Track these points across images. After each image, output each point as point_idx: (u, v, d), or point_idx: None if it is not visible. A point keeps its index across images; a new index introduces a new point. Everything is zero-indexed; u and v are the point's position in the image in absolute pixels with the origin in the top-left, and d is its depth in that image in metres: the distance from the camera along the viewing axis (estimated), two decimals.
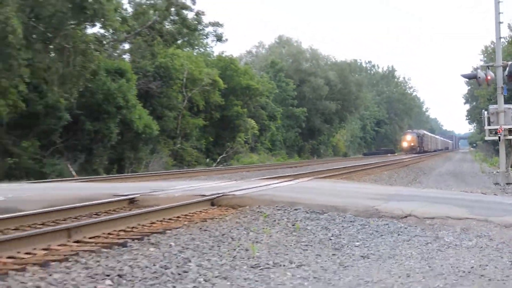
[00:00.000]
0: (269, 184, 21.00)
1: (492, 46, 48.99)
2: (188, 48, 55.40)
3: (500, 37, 37.64)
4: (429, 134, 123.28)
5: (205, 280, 9.03)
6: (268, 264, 10.20)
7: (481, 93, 66.26)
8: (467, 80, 44.72)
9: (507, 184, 29.92)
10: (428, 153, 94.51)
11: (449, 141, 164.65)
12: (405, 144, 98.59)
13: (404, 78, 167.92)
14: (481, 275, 9.07)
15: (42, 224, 12.78)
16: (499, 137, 32.91)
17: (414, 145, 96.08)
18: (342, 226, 13.25)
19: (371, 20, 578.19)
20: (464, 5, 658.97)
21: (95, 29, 43.85)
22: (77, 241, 10.52)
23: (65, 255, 9.30)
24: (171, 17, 46.31)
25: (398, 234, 12.56)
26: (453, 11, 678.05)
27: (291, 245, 11.71)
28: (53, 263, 8.84)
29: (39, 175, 38.49)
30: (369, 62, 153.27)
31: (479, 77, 34.97)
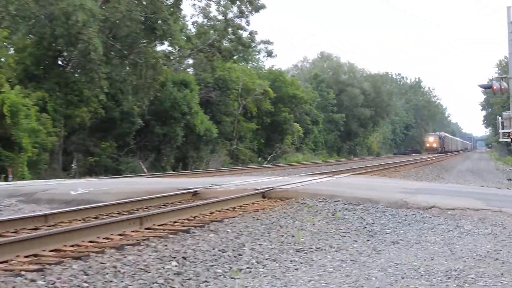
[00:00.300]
0: (312, 180, 20.96)
1: (506, 60, 48.45)
2: (243, 63, 55.55)
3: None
4: (450, 136, 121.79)
5: (257, 262, 9.06)
6: (311, 248, 10.21)
7: (495, 101, 65.92)
8: (484, 89, 44.40)
9: None
10: (449, 153, 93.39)
11: (468, 142, 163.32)
12: (428, 145, 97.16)
13: (429, 88, 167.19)
14: (496, 259, 9.02)
15: (118, 213, 12.87)
16: (511, 139, 32.89)
17: (436, 146, 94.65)
18: (375, 216, 13.21)
19: (394, 30, 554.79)
20: (481, 12, 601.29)
21: (163, 47, 44.08)
22: (148, 228, 10.59)
23: (137, 240, 9.37)
24: (229, 36, 46.31)
25: (424, 223, 12.51)
26: (470, 18, 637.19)
27: (331, 232, 11.71)
28: (128, 246, 8.90)
29: (115, 172, 38.78)
30: (399, 74, 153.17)
31: (494, 87, 34.82)
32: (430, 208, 13.83)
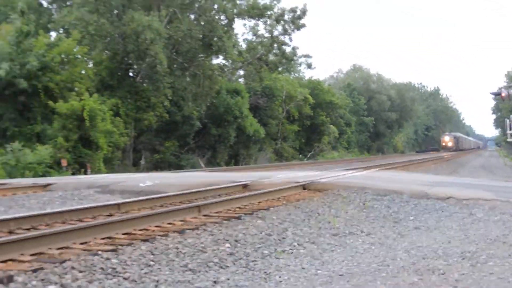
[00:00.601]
0: (346, 174, 20.91)
1: None
2: (286, 73, 55.65)
3: None
4: (464, 136, 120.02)
5: (298, 244, 9.10)
6: (344, 232, 10.22)
7: (504, 106, 65.35)
8: (494, 96, 44.08)
9: None
10: (463, 151, 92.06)
11: (480, 142, 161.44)
12: (444, 144, 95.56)
13: (446, 95, 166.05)
14: (504, 242, 8.97)
15: (180, 203, 12.92)
16: None
17: (451, 145, 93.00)
18: (400, 205, 13.17)
19: (416, 41, 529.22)
20: (496, 13, 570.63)
21: (218, 60, 44.21)
22: (205, 215, 10.66)
23: (196, 225, 9.45)
24: (274, 51, 46.28)
25: (442, 211, 12.45)
26: (485, 22, 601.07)
27: (361, 219, 11.70)
28: (188, 231, 8.98)
29: (177, 167, 38.99)
30: (420, 83, 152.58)
31: (503, 95, 34.87)
32: (447, 198, 13.76)
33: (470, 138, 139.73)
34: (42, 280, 5.94)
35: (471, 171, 32.81)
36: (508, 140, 38.07)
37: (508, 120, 35.97)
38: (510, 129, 34.63)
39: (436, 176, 22.33)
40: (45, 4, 40.02)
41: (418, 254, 8.23)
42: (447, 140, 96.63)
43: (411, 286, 6.49)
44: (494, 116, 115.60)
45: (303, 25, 45.79)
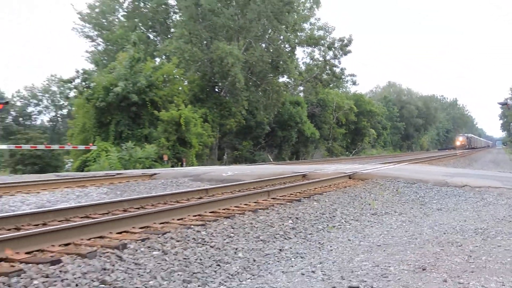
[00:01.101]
0: (382, 167, 20.69)
1: None
2: (336, 88, 55.70)
3: None
4: (475, 136, 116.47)
5: (345, 221, 9.08)
6: (381, 212, 10.15)
7: (509, 113, 63.68)
8: (501, 105, 43.51)
9: None
10: (475, 149, 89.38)
11: (489, 141, 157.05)
12: (457, 143, 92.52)
13: (462, 104, 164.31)
14: (510, 221, 8.85)
15: (254, 188, 12.96)
16: None
17: (464, 144, 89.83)
18: (425, 191, 12.99)
19: (438, 55, 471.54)
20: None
21: (283, 79, 44.32)
22: (273, 198, 10.68)
23: (266, 206, 9.47)
24: (326, 72, 46.29)
25: (459, 196, 12.25)
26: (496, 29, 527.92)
27: (395, 202, 11.60)
28: (259, 210, 9.01)
29: (252, 161, 39.21)
30: (442, 95, 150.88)
31: (508, 104, 34.83)
32: (463, 186, 13.54)
33: (481, 139, 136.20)
34: (149, 247, 6.04)
35: (482, 165, 32.11)
36: None
37: None
38: None
39: (454, 169, 21.99)
40: (151, 36, 40.71)
41: (440, 230, 8.17)
42: (460, 139, 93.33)
43: (434, 255, 6.41)
44: (501, 121, 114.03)
45: (349, 51, 45.76)
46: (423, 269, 5.76)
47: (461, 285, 5.14)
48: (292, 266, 6.18)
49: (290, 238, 7.62)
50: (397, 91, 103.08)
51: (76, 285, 4.71)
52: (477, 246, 6.93)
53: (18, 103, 64.67)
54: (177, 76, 33.32)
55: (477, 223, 8.71)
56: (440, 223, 8.82)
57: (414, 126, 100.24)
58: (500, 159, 44.48)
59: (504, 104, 41.25)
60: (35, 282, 4.59)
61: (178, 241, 6.45)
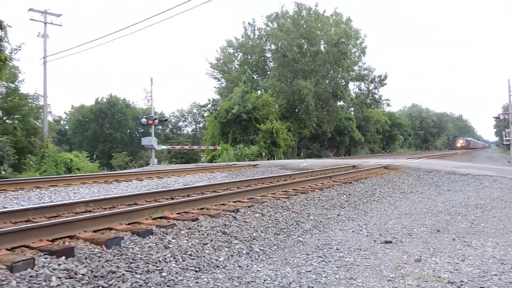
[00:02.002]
0: (407, 161, 19.85)
1: (507, 104, 43.14)
2: (376, 108, 54.21)
3: (511, 102, 33.69)
4: (474, 140, 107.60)
5: (382, 197, 8.81)
6: (407, 191, 9.78)
7: (501, 124, 59.44)
8: (495, 118, 41.17)
9: None
10: (474, 149, 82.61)
11: (486, 143, 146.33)
12: (458, 145, 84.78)
13: (466, 119, 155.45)
14: (501, 199, 8.27)
15: (320, 174, 12.77)
16: (509, 143, 30.78)
17: (464, 145, 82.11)
18: (439, 178, 12.36)
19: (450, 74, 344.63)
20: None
21: (340, 103, 43.54)
22: (333, 180, 10.49)
23: (328, 186, 9.31)
24: (369, 98, 45.10)
25: (464, 181, 11.58)
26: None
27: (417, 185, 11.12)
28: (324, 188, 8.87)
29: (319, 156, 38.71)
30: (451, 112, 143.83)
31: (501, 118, 32.86)
32: (467, 174, 12.77)
33: (479, 141, 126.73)
34: (252, 211, 6.10)
35: (481, 160, 30.18)
36: (504, 143, 36.19)
37: (504, 132, 34.39)
38: (506, 137, 32.63)
39: (460, 162, 20.79)
40: (255, 77, 41.18)
41: (449, 204, 7.80)
42: (461, 142, 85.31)
43: (445, 222, 6.18)
44: (495, 130, 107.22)
45: (385, 84, 44.38)
46: (438, 231, 5.58)
47: (466, 243, 4.93)
48: (346, 226, 6.11)
49: (345, 207, 7.51)
50: (418, 110, 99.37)
51: (208, 234, 4.83)
52: (477, 216, 6.64)
53: (173, 120, 67.24)
54: (271, 102, 33.50)
55: (477, 200, 8.23)
56: (450, 200, 8.43)
57: (431, 133, 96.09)
58: (494, 156, 41.76)
59: (497, 118, 39.73)
60: (182, 231, 4.75)
61: (271, 207, 6.48)
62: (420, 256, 4.33)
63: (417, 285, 3.48)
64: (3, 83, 23.98)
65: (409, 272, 3.85)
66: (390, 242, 4.98)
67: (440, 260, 4.19)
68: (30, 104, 25.95)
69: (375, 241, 5.08)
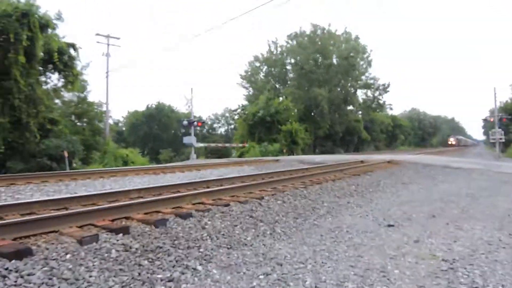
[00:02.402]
0: (408, 156, 19.25)
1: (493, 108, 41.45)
2: (380, 112, 53.17)
3: (496, 107, 32.54)
4: (464, 138, 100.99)
5: (385, 187, 8.61)
6: (407, 183, 9.52)
7: (489, 124, 57.26)
8: (484, 120, 39.98)
9: (499, 158, 25.75)
10: (466, 146, 78.37)
11: (475, 141, 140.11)
12: (449, 142, 79.42)
13: (458, 121, 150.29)
14: (488, 189, 7.96)
15: (332, 167, 12.63)
16: (495, 141, 29.96)
17: (455, 143, 76.59)
18: (435, 170, 12.01)
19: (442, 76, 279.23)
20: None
21: (350, 107, 42.82)
22: (344, 173, 10.32)
23: (340, 177, 9.18)
24: (375, 103, 44.30)
25: (456, 174, 11.21)
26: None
27: (416, 177, 10.81)
28: (336, 180, 8.75)
29: (331, 153, 38.12)
30: (445, 115, 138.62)
31: (491, 120, 31.71)
32: (458, 168, 12.35)
33: (469, 140, 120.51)
34: (275, 199, 6.08)
35: (471, 156, 29.20)
36: (491, 141, 35.07)
37: (490, 132, 33.39)
38: (491, 136, 31.74)
39: (452, 158, 20.15)
40: (277, 86, 41.01)
41: (444, 194, 7.56)
42: (451, 140, 79.87)
43: (440, 208, 6.02)
44: (483, 130, 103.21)
45: (388, 91, 43.58)
46: (433, 216, 5.44)
47: (457, 226, 4.78)
48: (355, 212, 6.02)
49: (354, 196, 7.39)
50: (417, 113, 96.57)
51: (237, 217, 4.85)
52: (467, 203, 6.42)
53: (209, 122, 67.81)
54: (291, 107, 33.29)
55: (467, 190, 7.95)
56: (444, 190, 8.16)
57: (428, 133, 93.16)
58: (482, 152, 40.36)
59: (485, 120, 38.61)
60: (217, 215, 4.79)
61: (291, 196, 6.45)
62: (418, 238, 4.24)
63: (416, 262, 3.40)
64: (75, 93, 24.76)
65: (408, 251, 3.77)
66: (393, 225, 4.89)
67: (435, 241, 4.09)
68: (95, 110, 26.62)
69: (379, 224, 4.99)
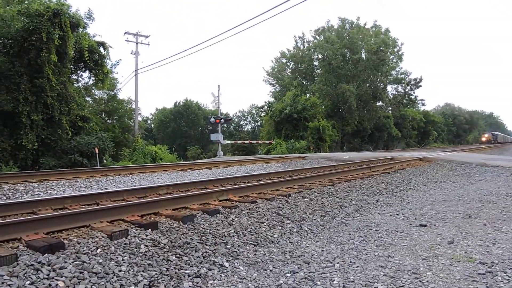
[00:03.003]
0: (441, 153, 18.64)
1: None
2: (412, 108, 51.55)
3: None
4: (501, 134, 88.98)
5: (417, 186, 8.36)
6: (441, 181, 9.21)
7: None
8: None
9: None
10: (501, 144, 71.50)
11: None
12: (483, 139, 71.04)
13: (497, 115, 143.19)
14: None
15: (361, 164, 12.34)
16: None
17: (489, 139, 65.18)
18: (470, 169, 11.53)
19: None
20: None
21: (379, 103, 41.84)
22: (373, 171, 10.08)
23: (368, 175, 8.98)
24: (406, 99, 42.99)
25: (494, 172, 10.70)
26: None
27: (450, 175, 10.43)
28: (365, 177, 8.56)
29: (360, 150, 37.49)
30: (482, 110, 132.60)
31: None
32: (497, 166, 11.79)
33: (508, 136, 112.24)
34: (302, 196, 6.03)
35: (511, 153, 27.86)
36: None
37: None
38: None
39: (490, 155, 19.27)
40: (304, 82, 40.63)
41: (481, 193, 7.24)
42: (486, 136, 68.72)
43: (477, 208, 5.75)
44: None
45: (421, 86, 42.06)
46: (469, 216, 5.21)
47: (496, 228, 4.56)
48: (384, 210, 5.88)
49: (383, 194, 7.22)
50: (451, 108, 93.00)
51: (264, 214, 4.84)
52: (507, 204, 6.11)
53: (236, 119, 68.15)
54: (318, 103, 32.91)
55: (507, 190, 7.56)
56: (481, 189, 7.82)
57: (463, 129, 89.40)
58: None
59: None
60: (243, 212, 4.79)
61: (318, 193, 6.37)
62: (453, 239, 4.07)
63: (450, 265, 3.27)
64: (106, 91, 25.54)
65: (442, 252, 3.63)
66: (425, 225, 4.73)
67: (471, 243, 3.92)
68: (125, 107, 27.42)
69: (410, 224, 4.84)
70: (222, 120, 27.39)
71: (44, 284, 2.53)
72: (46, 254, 2.88)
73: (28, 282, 2.53)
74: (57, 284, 2.55)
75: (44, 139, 15.54)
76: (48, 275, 2.63)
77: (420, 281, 2.94)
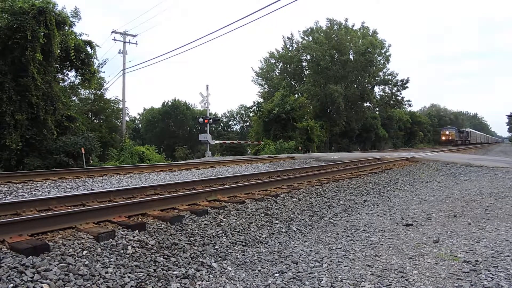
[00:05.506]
0: (427, 154, 18.92)
1: None
2: (398, 108, 52.17)
3: None
4: (474, 130, 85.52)
5: (403, 186, 8.47)
6: (427, 181, 9.34)
7: None
8: (508, 116, 38.31)
9: None
10: (487, 144, 72.54)
11: (499, 139, 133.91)
12: (443, 137, 65.49)
13: (481, 116, 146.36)
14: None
15: (348, 165, 12.45)
16: None
17: (451, 139, 58.69)
18: (456, 169, 11.72)
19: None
20: None
21: (366, 104, 42.22)
22: (360, 171, 10.18)
23: (356, 175, 9.06)
24: (392, 99, 43.49)
25: (479, 172, 10.90)
26: None
27: (435, 175, 10.59)
28: (352, 177, 8.64)
29: (347, 150, 37.74)
30: (467, 111, 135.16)
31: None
32: (481, 166, 12.01)
33: (488, 135, 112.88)
34: (290, 196, 6.04)
35: (494, 154, 28.39)
36: None
37: None
38: None
39: (475, 155, 19.63)
40: (293, 83, 40.75)
41: (465, 192, 7.36)
42: (447, 133, 63.94)
43: (462, 208, 5.85)
44: (507, 126, 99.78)
45: (407, 87, 42.62)
46: (454, 216, 5.30)
47: (480, 226, 4.65)
48: (372, 210, 5.93)
49: (370, 194, 7.29)
50: (437, 109, 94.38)
51: (253, 214, 4.83)
52: (491, 203, 6.23)
53: (224, 119, 68.04)
54: (306, 104, 33.05)
55: (491, 189, 7.72)
56: (466, 188, 7.96)
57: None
58: (507, 150, 39.16)
59: (510, 116, 37.01)
60: (232, 212, 4.78)
61: (306, 193, 6.39)
62: (438, 238, 4.14)
63: (436, 263, 3.32)
64: (92, 90, 25.22)
65: (428, 251, 3.68)
66: (411, 225, 4.79)
67: (456, 242, 3.98)
68: (112, 107, 27.11)
69: (397, 223, 4.90)
70: (211, 120, 27.29)
71: (28, 287, 2.48)
72: (30, 256, 2.82)
73: (11, 285, 2.47)
74: (41, 287, 2.50)
75: (29, 139, 15.26)
76: (32, 277, 2.57)
77: (406, 279, 2.98)
